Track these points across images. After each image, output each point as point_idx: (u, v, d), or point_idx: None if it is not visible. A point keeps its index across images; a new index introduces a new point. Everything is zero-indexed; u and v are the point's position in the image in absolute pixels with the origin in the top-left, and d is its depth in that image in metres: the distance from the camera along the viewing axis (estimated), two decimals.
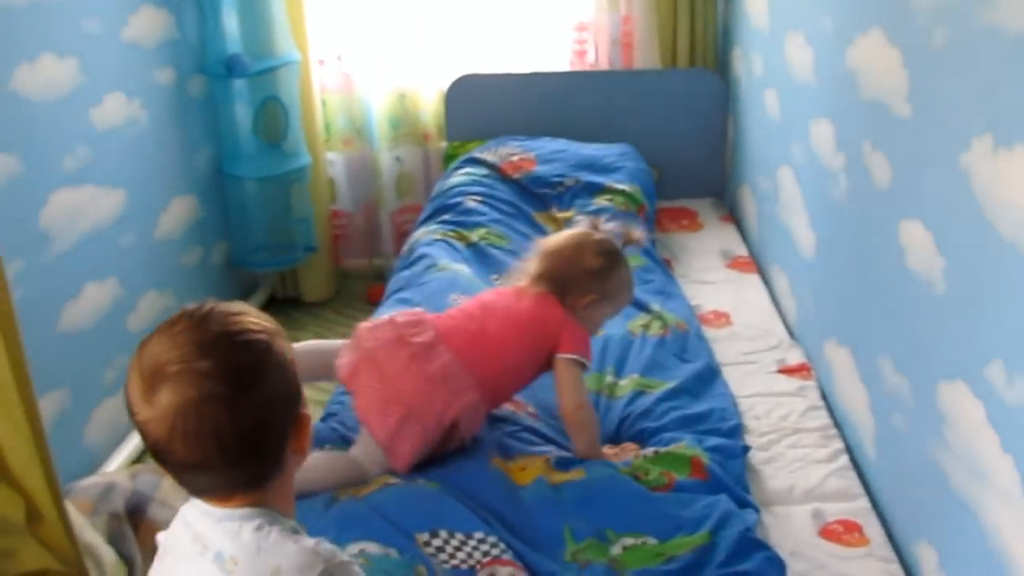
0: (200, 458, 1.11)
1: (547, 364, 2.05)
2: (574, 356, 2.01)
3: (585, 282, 2.05)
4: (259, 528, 1.15)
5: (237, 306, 1.19)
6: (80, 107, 2.62)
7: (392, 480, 1.85)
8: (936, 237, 1.68)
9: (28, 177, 2.38)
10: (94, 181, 2.66)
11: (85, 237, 2.61)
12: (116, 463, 2.72)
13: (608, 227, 2.16)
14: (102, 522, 2.33)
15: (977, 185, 1.51)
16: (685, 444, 2.02)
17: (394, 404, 1.89)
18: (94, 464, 2.65)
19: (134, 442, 2.81)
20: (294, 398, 1.17)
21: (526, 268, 2.12)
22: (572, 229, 2.20)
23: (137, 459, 2.85)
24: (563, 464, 1.97)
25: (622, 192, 3.18)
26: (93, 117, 2.67)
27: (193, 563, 1.17)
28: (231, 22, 3.37)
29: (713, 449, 2.01)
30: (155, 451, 1.13)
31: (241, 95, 3.45)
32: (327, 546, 1.17)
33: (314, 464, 1.87)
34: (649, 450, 2.03)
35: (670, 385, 2.26)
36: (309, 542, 1.16)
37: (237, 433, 1.10)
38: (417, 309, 2.14)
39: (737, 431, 2.12)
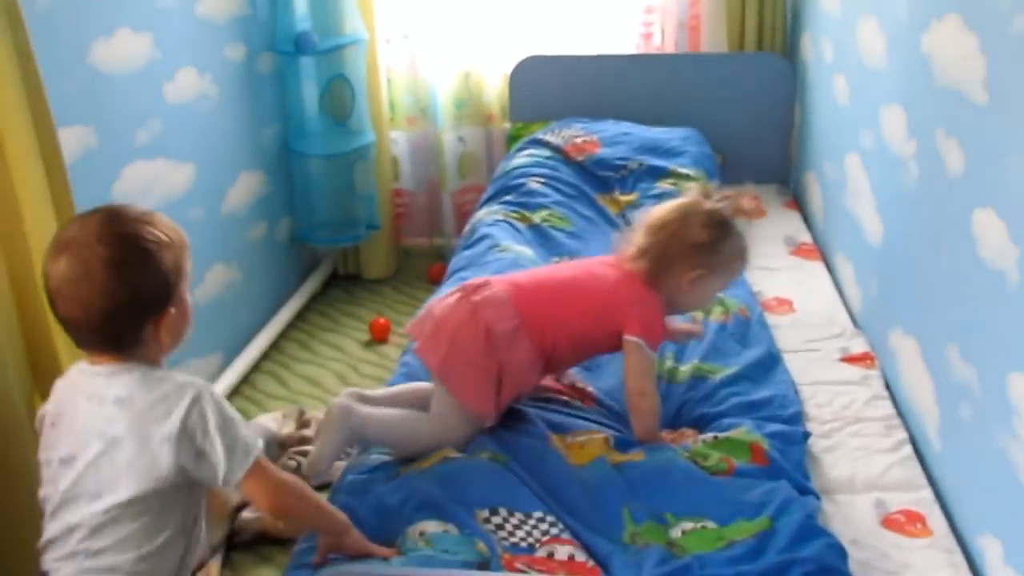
0: (72, 317, 1.44)
1: (618, 343, 2.00)
2: (636, 339, 1.97)
3: (691, 256, 1.96)
4: (142, 372, 1.47)
5: (150, 215, 1.52)
6: (154, 82, 2.67)
7: (453, 455, 1.87)
8: (1010, 226, 1.65)
9: (102, 150, 2.44)
10: (165, 155, 2.71)
11: (156, 209, 2.65)
12: None
13: (718, 195, 2.04)
14: None
15: None
16: (745, 430, 2.00)
17: (456, 357, 1.92)
18: None
19: None
20: (158, 300, 1.47)
21: (631, 239, 2.03)
22: (680, 199, 2.07)
23: None
24: (622, 445, 1.97)
25: (686, 176, 3.17)
26: (166, 91, 2.72)
27: (93, 415, 1.46)
28: (301, 0, 3.41)
29: (773, 436, 1.99)
30: (48, 302, 1.47)
31: (308, 73, 3.49)
32: (199, 380, 1.48)
33: (400, 425, 1.92)
34: (708, 435, 2.02)
35: (730, 371, 2.25)
36: (182, 375, 1.48)
37: (101, 309, 1.42)
38: (487, 276, 2.12)
39: (798, 418, 2.10)
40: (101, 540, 1.45)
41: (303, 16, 3.41)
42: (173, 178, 2.76)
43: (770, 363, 2.32)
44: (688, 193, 2.08)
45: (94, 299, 1.42)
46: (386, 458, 1.94)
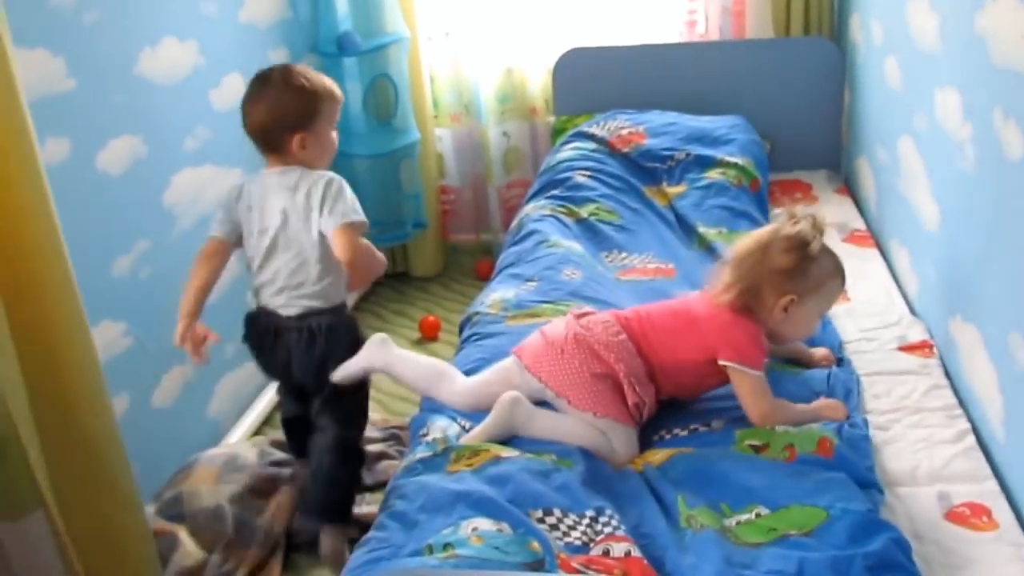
0: (249, 132, 2.28)
1: (724, 374, 2.01)
2: (731, 364, 1.97)
3: (779, 284, 1.96)
4: (300, 171, 2.26)
5: (306, 71, 2.31)
6: (200, 89, 2.70)
7: (505, 453, 1.87)
8: None
9: (152, 159, 2.47)
10: (213, 161, 2.74)
11: (206, 215, 2.69)
12: (238, 434, 2.82)
13: (803, 217, 2.02)
14: (228, 491, 2.42)
15: None
16: (818, 427, 1.97)
17: (570, 373, 2.00)
18: (218, 435, 2.75)
19: (256, 412, 2.91)
20: (298, 121, 2.24)
21: (720, 275, 2.05)
22: (764, 227, 2.08)
23: (257, 431, 2.94)
24: (669, 444, 1.99)
25: (734, 165, 3.13)
26: (212, 98, 2.75)
27: (275, 200, 2.26)
28: (342, 1, 3.42)
29: (843, 434, 1.95)
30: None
31: (352, 73, 3.50)
32: (334, 174, 2.27)
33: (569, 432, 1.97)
34: (782, 427, 1.98)
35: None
36: (324, 171, 2.29)
37: (258, 124, 2.25)
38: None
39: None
40: (297, 278, 2.28)
41: (344, 17, 3.42)
42: (222, 183, 2.78)
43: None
44: (775, 220, 2.11)
45: (255, 118, 2.25)
46: (429, 453, 1.94)
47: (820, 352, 2.30)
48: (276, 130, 2.24)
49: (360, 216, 2.23)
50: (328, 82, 2.32)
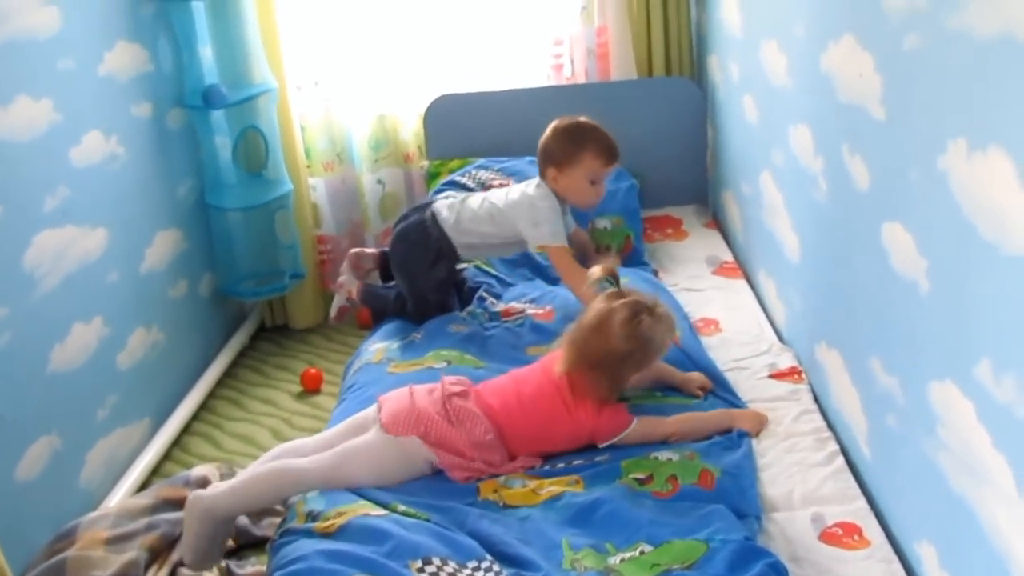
0: None
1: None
2: (612, 441, 2.12)
3: (623, 366, 2.11)
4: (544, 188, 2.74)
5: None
6: (58, 147, 2.61)
7: (375, 511, 1.86)
8: (917, 239, 1.69)
9: (10, 220, 2.37)
10: (76, 221, 2.65)
11: (70, 277, 2.60)
12: (114, 502, 2.71)
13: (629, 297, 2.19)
14: (122, 559, 2.33)
15: (955, 187, 1.52)
16: (700, 455, 2.05)
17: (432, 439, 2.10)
18: (92, 506, 2.64)
19: (132, 477, 2.80)
20: (552, 161, 2.71)
21: (562, 357, 2.16)
22: (593, 310, 2.17)
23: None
24: (559, 473, 2.03)
25: (603, 232, 3.16)
26: (72, 156, 2.67)
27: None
28: (206, 53, 3.37)
29: (728, 463, 2.02)
30: None
31: (220, 126, 3.45)
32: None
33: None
34: (667, 454, 2.06)
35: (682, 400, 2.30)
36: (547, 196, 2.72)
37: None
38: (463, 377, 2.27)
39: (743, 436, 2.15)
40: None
41: (210, 69, 3.38)
42: (86, 243, 2.70)
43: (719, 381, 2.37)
44: (598, 287, 2.23)
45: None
46: (295, 524, 1.91)
47: (696, 380, 2.36)
48: (539, 162, 2.76)
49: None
50: None
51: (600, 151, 2.71)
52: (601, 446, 2.13)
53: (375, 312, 2.99)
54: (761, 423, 2.19)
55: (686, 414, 2.20)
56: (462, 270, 2.96)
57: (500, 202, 2.74)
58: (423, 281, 2.79)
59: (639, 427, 2.13)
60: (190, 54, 3.31)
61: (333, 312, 3.07)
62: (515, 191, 2.78)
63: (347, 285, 3.01)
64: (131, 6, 3.03)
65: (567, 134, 2.72)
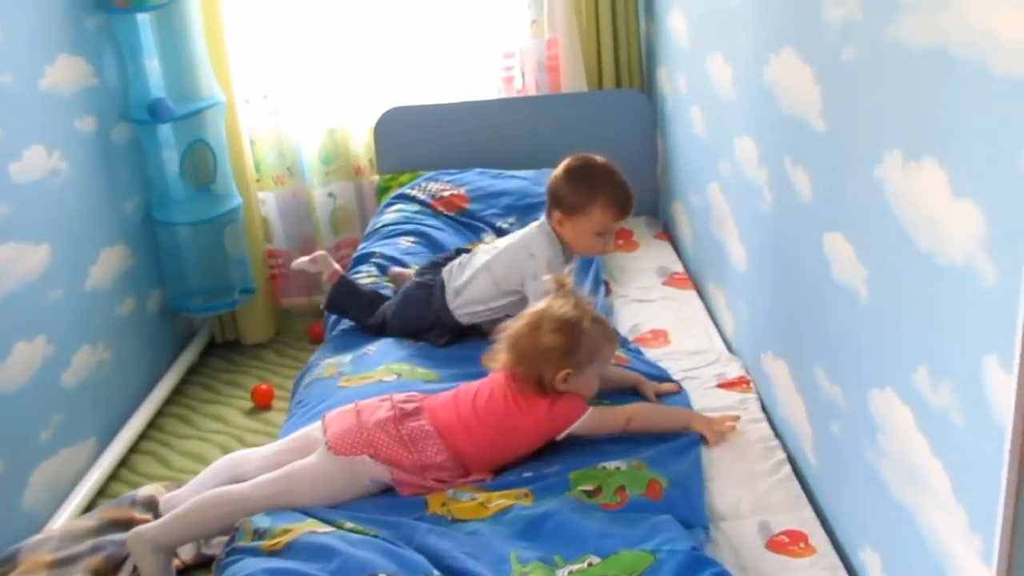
0: None
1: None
2: (578, 424, 2.12)
3: (553, 361, 2.09)
4: (547, 231, 2.61)
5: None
6: None
7: (321, 528, 1.84)
8: (857, 248, 1.72)
9: None
10: (16, 238, 2.60)
11: (11, 296, 2.55)
12: (58, 525, 2.66)
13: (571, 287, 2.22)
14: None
15: (892, 197, 1.55)
16: (648, 465, 2.05)
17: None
18: (35, 529, 2.58)
19: (79, 498, 2.75)
20: (560, 205, 2.55)
21: (497, 358, 2.16)
22: (531, 307, 2.20)
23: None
24: (508, 485, 2.03)
25: None
26: (12, 172, 2.62)
27: None
28: (152, 66, 3.34)
29: (675, 473, 2.03)
30: None
31: (167, 140, 3.42)
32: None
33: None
34: (616, 464, 2.06)
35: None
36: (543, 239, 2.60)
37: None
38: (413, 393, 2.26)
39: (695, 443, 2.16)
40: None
41: (156, 83, 3.34)
42: (27, 261, 2.65)
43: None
44: (543, 289, 2.26)
45: None
46: (243, 543, 1.89)
47: (665, 386, 2.39)
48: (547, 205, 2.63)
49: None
50: None
51: (611, 204, 2.50)
52: (560, 437, 2.12)
53: (334, 303, 2.82)
54: (718, 435, 2.17)
55: (643, 403, 2.25)
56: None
57: (496, 258, 2.60)
58: (415, 333, 2.68)
59: (595, 414, 2.13)
60: (136, 67, 3.27)
61: (294, 265, 2.89)
62: (511, 239, 2.64)
63: (321, 264, 2.81)
64: (73, 19, 2.98)
65: (580, 179, 2.53)
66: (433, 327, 2.65)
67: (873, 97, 1.61)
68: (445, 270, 2.69)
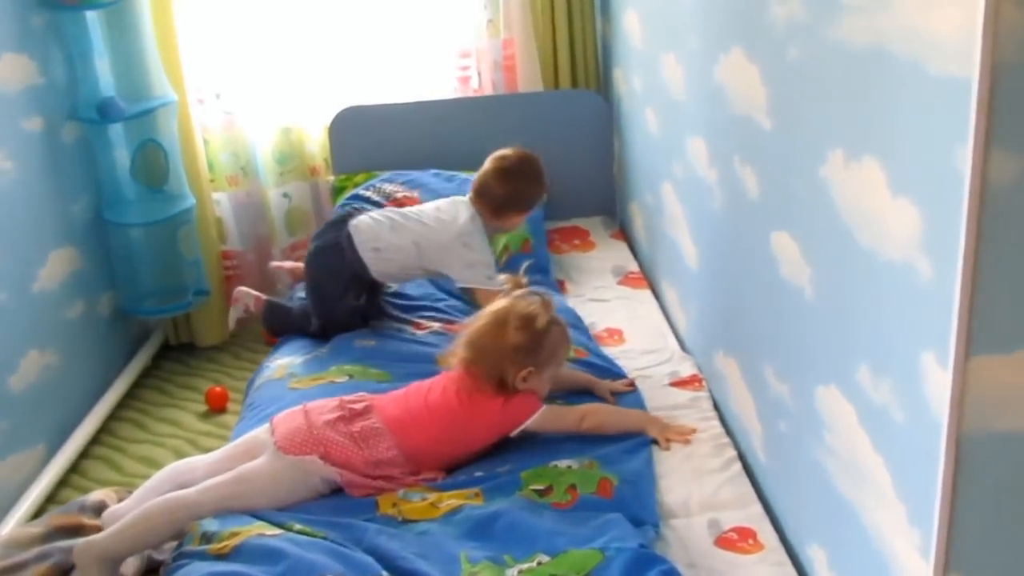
0: None
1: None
2: (531, 421, 2.12)
3: (518, 359, 2.10)
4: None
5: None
6: None
7: (270, 531, 1.82)
8: (803, 247, 1.73)
9: None
10: None
11: None
12: (4, 532, 2.61)
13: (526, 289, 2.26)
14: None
15: (836, 196, 1.56)
16: (599, 465, 2.05)
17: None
18: None
19: (24, 508, 2.71)
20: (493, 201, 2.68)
21: (456, 353, 2.17)
22: (493, 305, 2.21)
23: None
24: (459, 485, 2.02)
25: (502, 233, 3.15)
26: None
27: None
28: (102, 65, 3.29)
29: (626, 472, 2.03)
30: None
31: (118, 140, 3.37)
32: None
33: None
34: (565, 463, 2.06)
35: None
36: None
37: None
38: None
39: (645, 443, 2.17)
40: None
41: (106, 82, 3.29)
42: None
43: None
44: (501, 287, 2.29)
45: None
46: (190, 547, 1.88)
47: (618, 384, 2.41)
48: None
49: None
50: None
51: (541, 196, 2.76)
52: (514, 434, 2.13)
53: (273, 329, 2.94)
54: (671, 443, 2.18)
55: (599, 404, 2.25)
56: (376, 295, 2.84)
57: (427, 239, 2.66)
58: (333, 305, 2.73)
59: (550, 412, 2.15)
60: (85, 66, 3.22)
61: (231, 325, 3.06)
62: (443, 227, 2.67)
63: (243, 300, 2.95)
64: (19, 17, 2.93)
65: (518, 181, 2.69)
66: (349, 283, 2.69)
67: (817, 96, 1.63)
68: (352, 224, 2.70)
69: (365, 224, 2.70)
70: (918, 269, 1.29)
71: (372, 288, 2.76)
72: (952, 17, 1.16)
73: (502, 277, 2.36)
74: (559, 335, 2.18)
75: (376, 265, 2.66)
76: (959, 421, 1.20)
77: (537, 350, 2.12)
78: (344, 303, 2.70)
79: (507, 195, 2.67)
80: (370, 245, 2.66)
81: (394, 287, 2.94)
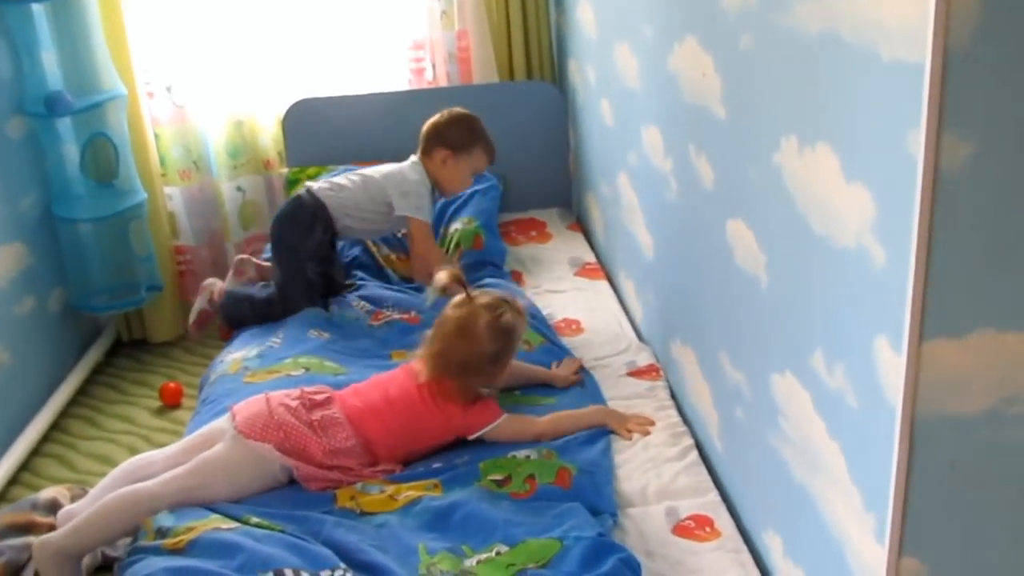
0: None
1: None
2: (490, 428, 2.13)
3: (485, 367, 2.14)
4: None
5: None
6: None
7: (226, 525, 1.80)
8: (757, 234, 1.74)
9: None
10: None
11: None
12: None
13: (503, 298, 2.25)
14: None
15: (789, 183, 1.57)
16: (557, 454, 2.06)
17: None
18: None
19: None
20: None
21: (424, 364, 2.16)
22: (458, 308, 2.19)
23: None
24: (418, 476, 2.02)
25: (453, 232, 3.16)
26: None
27: None
28: (49, 58, 3.22)
29: (586, 462, 2.04)
30: None
31: (66, 134, 3.30)
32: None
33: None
34: (523, 453, 2.07)
35: (551, 400, 2.32)
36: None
37: None
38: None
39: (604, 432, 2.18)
40: None
41: (53, 75, 3.23)
42: None
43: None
44: (449, 293, 2.25)
45: None
46: (146, 542, 1.85)
47: (564, 370, 2.42)
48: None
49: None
50: None
51: (488, 149, 2.90)
52: (471, 438, 2.14)
53: (231, 319, 2.92)
54: (631, 434, 2.18)
55: (558, 414, 2.22)
56: (338, 250, 2.97)
57: (374, 173, 2.88)
58: (301, 251, 2.79)
59: (509, 423, 2.15)
60: (31, 59, 3.15)
61: (192, 317, 3.02)
62: (389, 167, 2.90)
63: (209, 287, 2.98)
64: None
65: (465, 124, 2.89)
66: (311, 227, 2.78)
67: (770, 84, 1.63)
68: (315, 187, 2.88)
69: (322, 180, 2.94)
70: (871, 254, 1.30)
71: (332, 247, 2.90)
72: (904, 3, 1.17)
73: (441, 274, 2.34)
74: (523, 323, 2.23)
75: (331, 201, 2.81)
76: (913, 405, 1.21)
77: (507, 353, 2.17)
78: (311, 241, 2.78)
79: (460, 133, 2.85)
80: (326, 187, 2.85)
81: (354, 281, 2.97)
